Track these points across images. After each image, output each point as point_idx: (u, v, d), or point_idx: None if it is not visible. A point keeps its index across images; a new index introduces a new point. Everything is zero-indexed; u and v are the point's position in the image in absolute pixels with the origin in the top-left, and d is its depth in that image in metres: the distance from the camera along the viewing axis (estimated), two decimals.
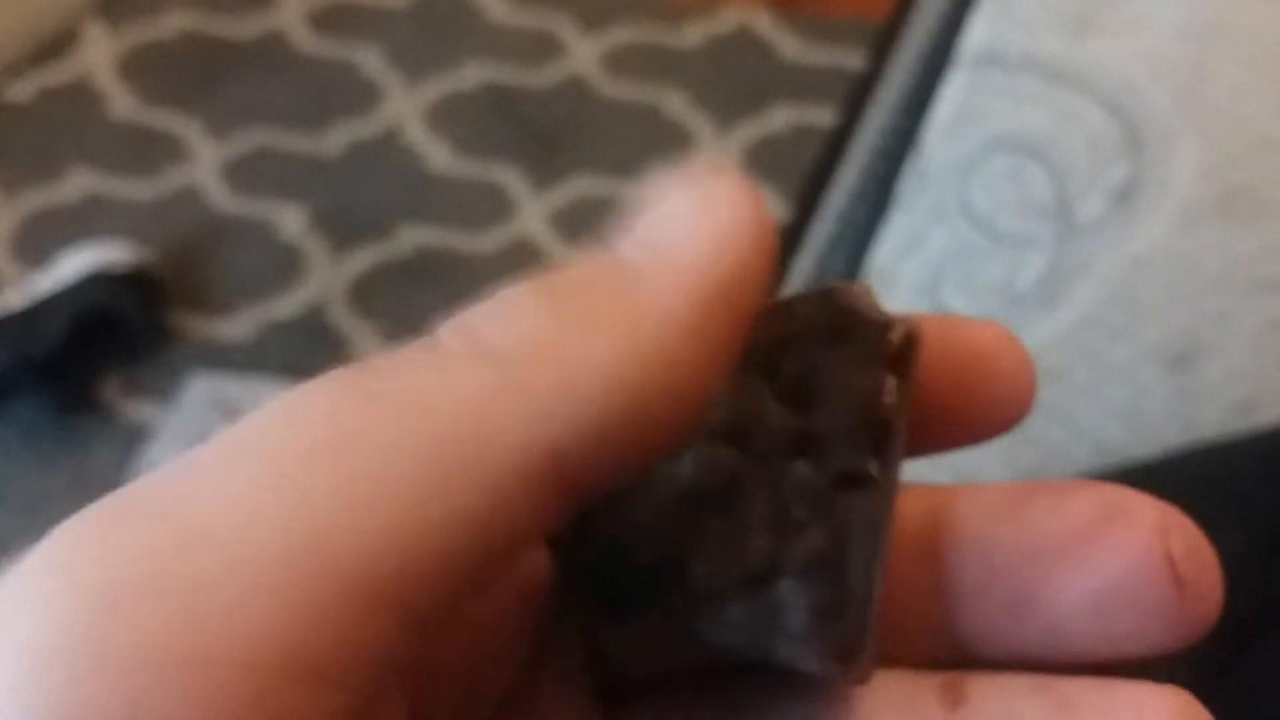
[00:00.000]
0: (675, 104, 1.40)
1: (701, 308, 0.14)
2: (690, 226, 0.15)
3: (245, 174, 1.33)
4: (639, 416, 0.14)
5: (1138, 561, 0.15)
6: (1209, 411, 0.43)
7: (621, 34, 1.47)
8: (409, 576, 0.13)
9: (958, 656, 0.17)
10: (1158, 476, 0.39)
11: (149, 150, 1.36)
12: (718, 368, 0.15)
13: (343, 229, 1.30)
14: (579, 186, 1.34)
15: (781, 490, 0.16)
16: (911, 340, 0.17)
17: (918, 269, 0.48)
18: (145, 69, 1.44)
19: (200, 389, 1.18)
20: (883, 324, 0.17)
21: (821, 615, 0.16)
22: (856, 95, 0.55)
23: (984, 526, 0.17)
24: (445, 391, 0.14)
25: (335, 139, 1.37)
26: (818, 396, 0.16)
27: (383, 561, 0.13)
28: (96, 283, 1.19)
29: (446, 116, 1.39)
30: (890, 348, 0.16)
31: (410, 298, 1.26)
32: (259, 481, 0.13)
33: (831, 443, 0.16)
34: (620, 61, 1.44)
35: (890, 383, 0.16)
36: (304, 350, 1.21)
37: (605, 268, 0.15)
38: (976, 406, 0.17)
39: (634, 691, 0.18)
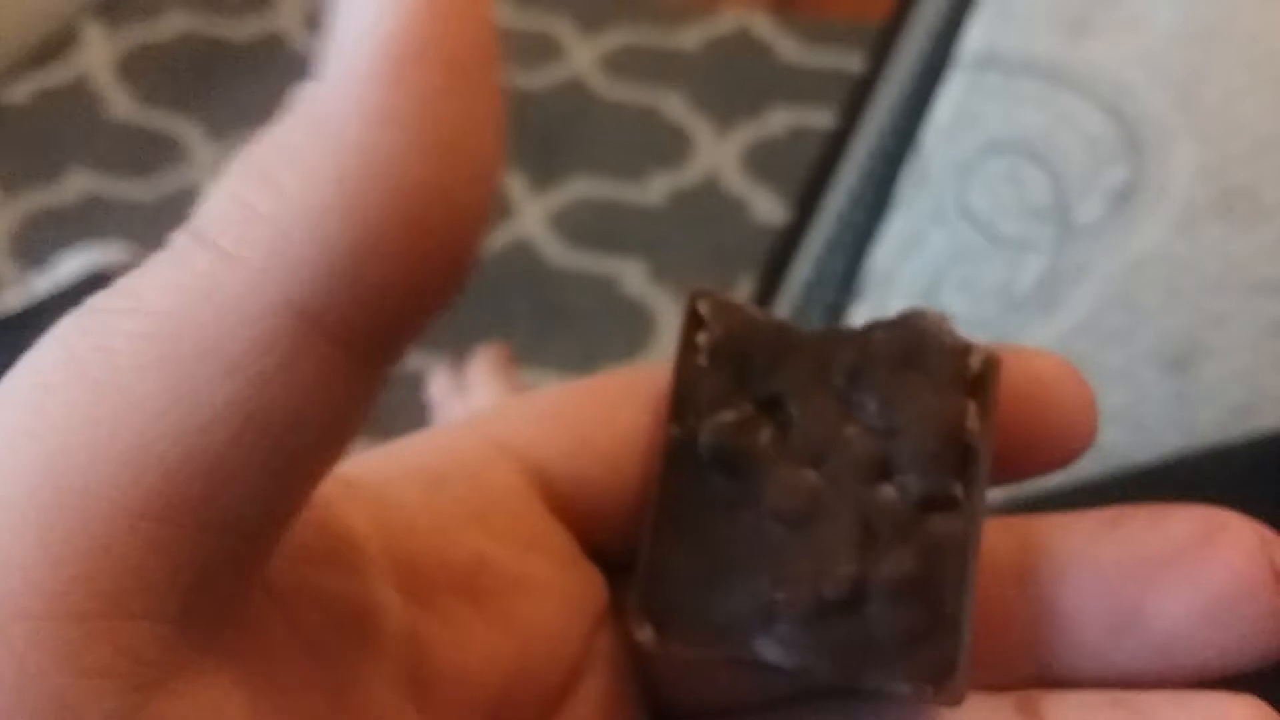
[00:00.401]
0: (674, 106, 1.40)
1: (384, 80, 0.13)
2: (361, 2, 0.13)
3: None
4: (370, 236, 0.12)
5: (1244, 573, 0.16)
6: (1208, 414, 0.42)
7: (620, 36, 1.47)
8: (182, 484, 0.12)
9: (1047, 683, 0.17)
10: (1157, 480, 0.39)
11: (148, 152, 1.36)
12: (445, 132, 0.13)
13: None
14: (578, 188, 1.34)
15: (865, 513, 0.16)
16: (991, 366, 0.17)
17: (917, 271, 0.48)
18: (144, 70, 1.44)
19: None
20: (962, 349, 0.17)
21: (913, 638, 0.16)
22: (855, 97, 0.55)
23: (1080, 550, 0.17)
24: (168, 288, 0.13)
25: None
26: (898, 422, 0.16)
27: (144, 474, 0.12)
28: (96, 284, 1.18)
29: None
30: (970, 373, 0.17)
31: None
32: None
33: (914, 467, 0.16)
34: (619, 63, 1.44)
35: (972, 407, 0.16)
36: None
37: (300, 104, 0.13)
38: (1038, 438, 0.17)
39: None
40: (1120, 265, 0.45)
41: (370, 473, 0.16)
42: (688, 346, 0.17)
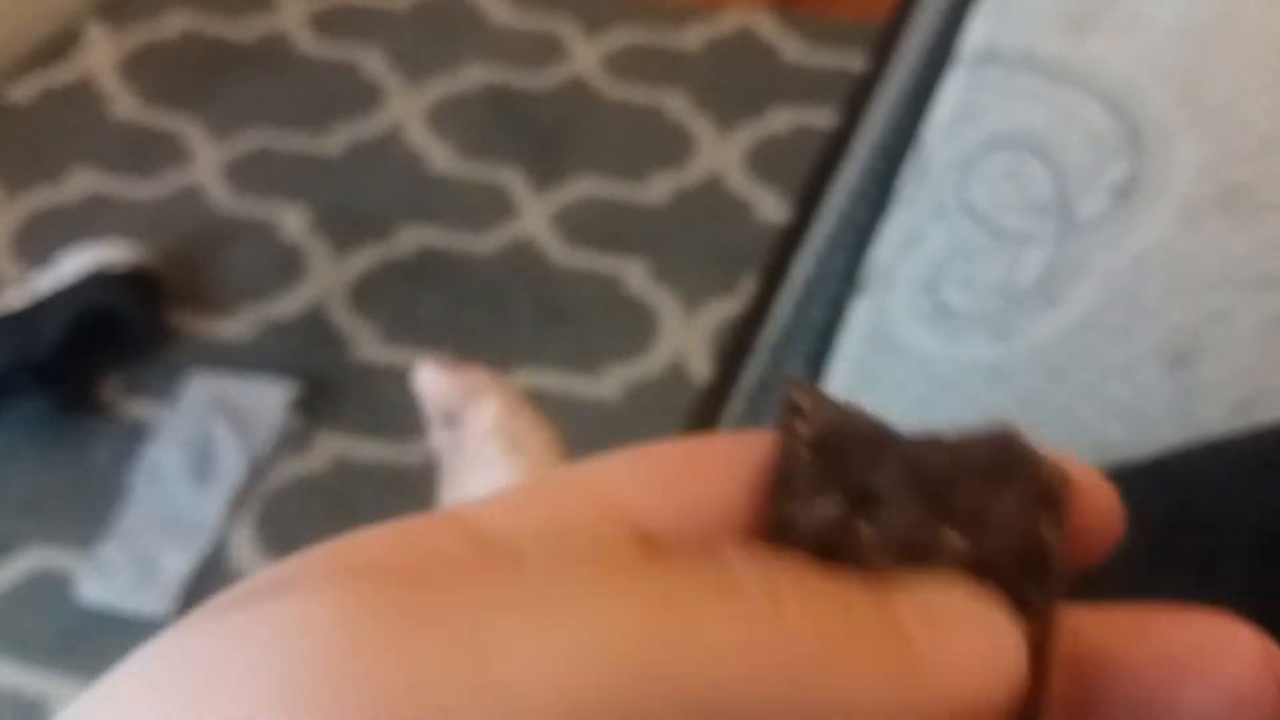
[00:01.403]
0: (676, 106, 1.40)
1: None
2: None
3: (246, 174, 1.34)
4: None
5: (1258, 677, 0.19)
6: (1210, 410, 0.43)
7: (623, 36, 1.47)
8: None
9: None
10: (1159, 475, 0.39)
11: (150, 151, 1.36)
12: None
13: (343, 229, 1.30)
14: (580, 187, 1.34)
15: None
16: (1060, 479, 0.19)
17: (917, 266, 0.48)
18: (146, 70, 1.44)
19: (200, 388, 1.18)
20: (1036, 462, 0.19)
21: None
22: (857, 96, 0.55)
23: (1108, 638, 0.19)
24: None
25: (336, 140, 1.37)
26: (988, 528, 0.18)
27: None
28: (97, 282, 1.19)
29: (448, 118, 1.39)
30: (1044, 486, 0.19)
31: (410, 297, 1.26)
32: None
33: (998, 569, 0.18)
34: (621, 63, 1.44)
35: (1046, 518, 0.18)
36: (304, 350, 1.21)
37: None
38: (1076, 537, 0.19)
39: None
40: (1122, 261, 0.45)
41: (494, 526, 0.17)
42: (789, 433, 0.19)
